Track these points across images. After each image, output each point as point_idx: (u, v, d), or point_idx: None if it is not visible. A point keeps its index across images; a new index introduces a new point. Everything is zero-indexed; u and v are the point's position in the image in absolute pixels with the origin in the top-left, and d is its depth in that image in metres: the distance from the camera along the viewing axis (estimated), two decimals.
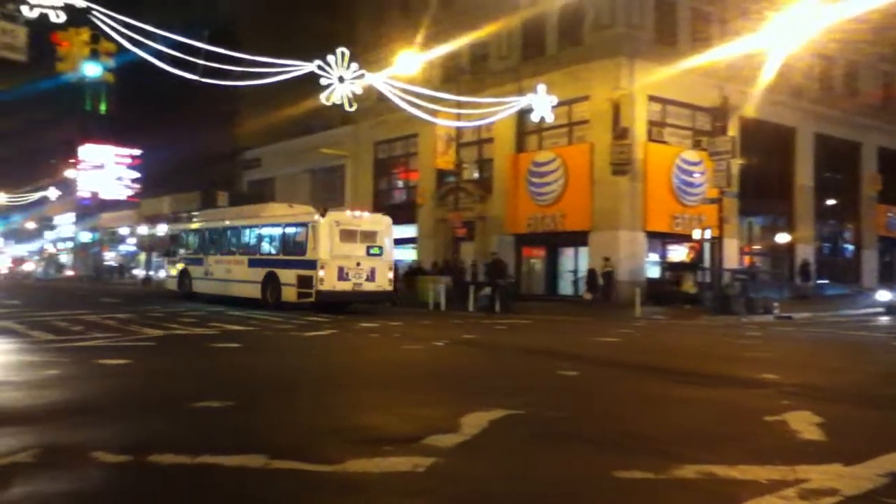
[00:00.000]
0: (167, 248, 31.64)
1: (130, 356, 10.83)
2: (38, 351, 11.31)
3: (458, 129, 30.40)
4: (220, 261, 26.07)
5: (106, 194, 56.08)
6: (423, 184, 35.67)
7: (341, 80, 19.43)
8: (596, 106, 28.54)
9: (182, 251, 28.95)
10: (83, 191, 57.06)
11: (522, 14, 31.13)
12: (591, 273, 26.49)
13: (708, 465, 5.13)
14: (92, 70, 17.40)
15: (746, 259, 32.45)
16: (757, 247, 34.03)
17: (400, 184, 39.32)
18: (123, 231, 60.35)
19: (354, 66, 19.78)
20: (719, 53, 27.80)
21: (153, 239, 51.84)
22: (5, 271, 57.17)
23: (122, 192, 56.33)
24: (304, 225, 22.31)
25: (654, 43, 28.99)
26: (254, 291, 23.33)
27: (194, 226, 29.77)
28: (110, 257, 61.54)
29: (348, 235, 21.86)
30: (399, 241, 37.20)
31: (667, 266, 29.55)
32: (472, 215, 31.74)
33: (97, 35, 16.85)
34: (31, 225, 71.25)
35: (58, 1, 15.29)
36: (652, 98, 28.72)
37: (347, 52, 19.71)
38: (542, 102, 23.83)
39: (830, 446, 5.91)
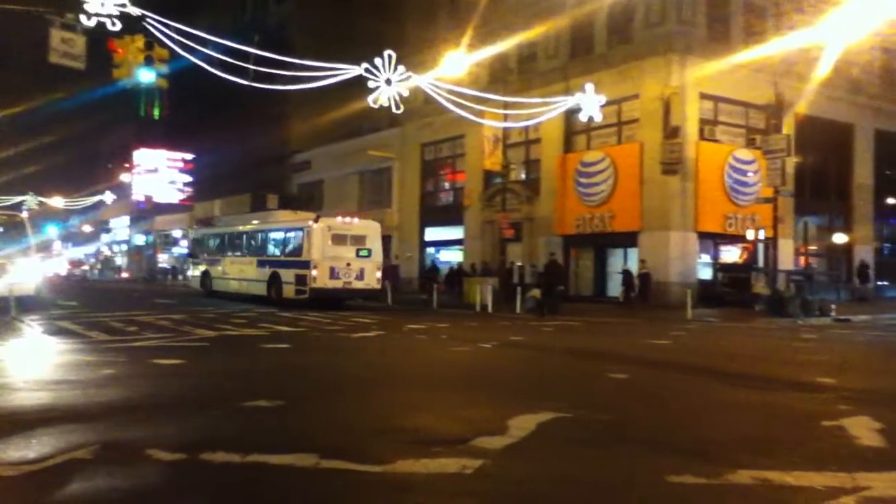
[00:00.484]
0: (191, 250, 34.39)
1: (184, 356, 11.04)
2: (95, 351, 11.60)
3: (506, 129, 30.28)
4: (234, 262, 29.03)
5: (160, 198, 57.34)
6: (470, 185, 35.62)
7: (388, 82, 19.52)
8: (646, 104, 28.15)
9: (204, 254, 31.78)
10: (138, 195, 58.50)
11: (570, 13, 30.82)
12: (627, 274, 26.16)
13: (763, 470, 5.01)
14: (146, 76, 17.78)
15: (802, 260, 31.62)
16: (813, 247, 33.09)
17: (447, 185, 39.31)
18: (176, 234, 61.66)
19: (401, 68, 19.86)
20: (773, 48, 27.04)
21: None
22: (63, 273, 58.79)
23: (175, 195, 57.53)
24: (301, 229, 24.63)
25: (706, 39, 28.43)
26: (262, 289, 25.79)
27: (213, 230, 32.72)
28: (163, 259, 62.89)
29: (339, 239, 24.25)
30: (445, 243, 37.75)
31: (720, 267, 28.99)
32: (520, 216, 31.58)
33: (151, 42, 17.23)
34: (87, 228, 73.30)
35: (114, 9, 15.61)
36: (703, 95, 28.19)
37: (394, 55, 19.80)
38: (590, 102, 23.55)
39: (892, 453, 5.72)
